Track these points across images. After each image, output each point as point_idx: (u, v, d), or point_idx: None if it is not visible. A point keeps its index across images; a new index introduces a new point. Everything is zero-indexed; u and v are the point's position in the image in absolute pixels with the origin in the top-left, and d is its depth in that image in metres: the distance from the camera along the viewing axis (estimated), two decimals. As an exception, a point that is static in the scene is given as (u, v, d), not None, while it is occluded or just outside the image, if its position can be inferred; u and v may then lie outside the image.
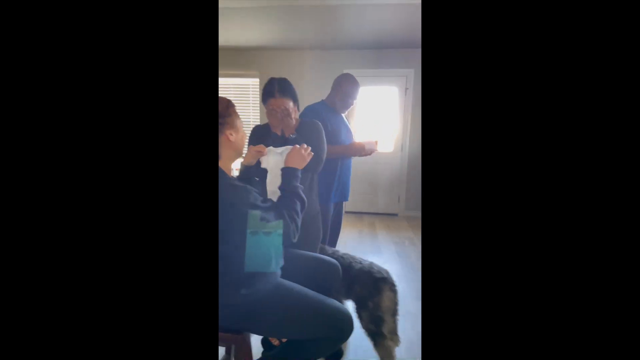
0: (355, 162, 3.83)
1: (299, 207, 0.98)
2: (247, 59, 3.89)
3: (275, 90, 1.27)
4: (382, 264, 1.53)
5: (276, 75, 1.32)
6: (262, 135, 1.35)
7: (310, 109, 1.78)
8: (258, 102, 3.95)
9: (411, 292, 2.08)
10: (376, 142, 1.85)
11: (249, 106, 4.06)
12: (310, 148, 1.13)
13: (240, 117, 1.01)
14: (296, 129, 1.38)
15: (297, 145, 1.11)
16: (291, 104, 1.30)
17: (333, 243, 2.09)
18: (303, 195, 1.01)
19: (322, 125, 1.63)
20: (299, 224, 0.97)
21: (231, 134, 0.96)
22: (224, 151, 0.96)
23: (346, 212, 3.89)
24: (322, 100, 1.88)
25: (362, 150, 1.77)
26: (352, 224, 3.54)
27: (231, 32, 3.56)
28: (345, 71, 2.23)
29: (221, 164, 0.96)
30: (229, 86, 4.07)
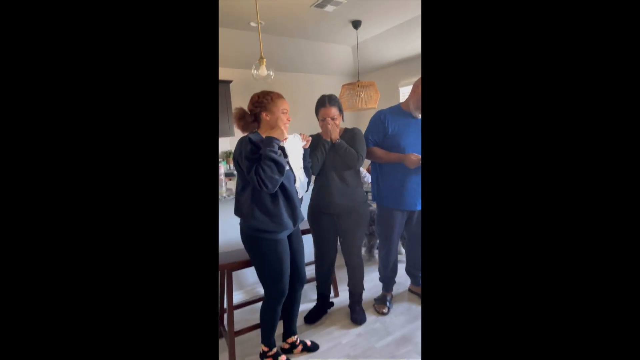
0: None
1: (268, 167, 1.26)
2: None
3: (326, 101, 1.71)
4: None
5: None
6: (316, 142, 1.73)
7: (378, 112, 1.90)
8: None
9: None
10: None
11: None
12: (307, 135, 1.49)
13: (280, 105, 1.39)
14: (341, 135, 1.77)
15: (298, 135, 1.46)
16: (337, 112, 1.71)
17: (418, 250, 2.05)
18: (274, 157, 1.28)
19: (382, 128, 1.86)
20: (269, 176, 1.26)
21: (267, 115, 1.38)
22: (261, 124, 1.41)
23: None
24: (399, 103, 1.93)
25: (410, 163, 1.75)
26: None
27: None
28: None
29: (260, 132, 1.40)
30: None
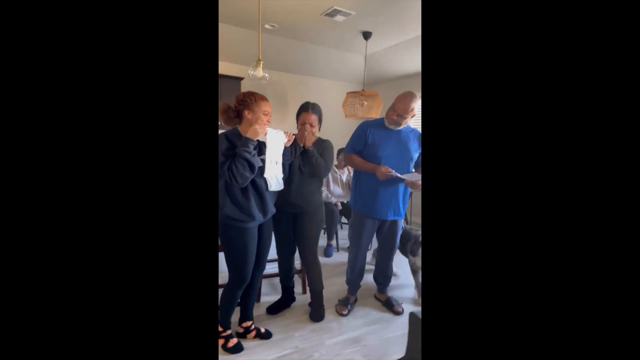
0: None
1: (241, 164, 1.40)
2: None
3: (309, 107, 1.81)
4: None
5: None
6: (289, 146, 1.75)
7: (362, 123, 2.01)
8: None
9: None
10: (412, 182, 1.87)
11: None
12: (291, 134, 1.61)
13: (262, 106, 1.50)
14: (314, 143, 1.86)
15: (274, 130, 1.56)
16: (317, 120, 1.81)
17: (386, 259, 2.15)
18: (247, 157, 1.41)
19: (363, 138, 1.96)
20: (240, 173, 1.39)
21: (249, 113, 1.49)
22: (243, 121, 1.52)
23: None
24: (383, 116, 2.01)
25: (380, 175, 1.84)
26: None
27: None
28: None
29: (240, 128, 1.52)
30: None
